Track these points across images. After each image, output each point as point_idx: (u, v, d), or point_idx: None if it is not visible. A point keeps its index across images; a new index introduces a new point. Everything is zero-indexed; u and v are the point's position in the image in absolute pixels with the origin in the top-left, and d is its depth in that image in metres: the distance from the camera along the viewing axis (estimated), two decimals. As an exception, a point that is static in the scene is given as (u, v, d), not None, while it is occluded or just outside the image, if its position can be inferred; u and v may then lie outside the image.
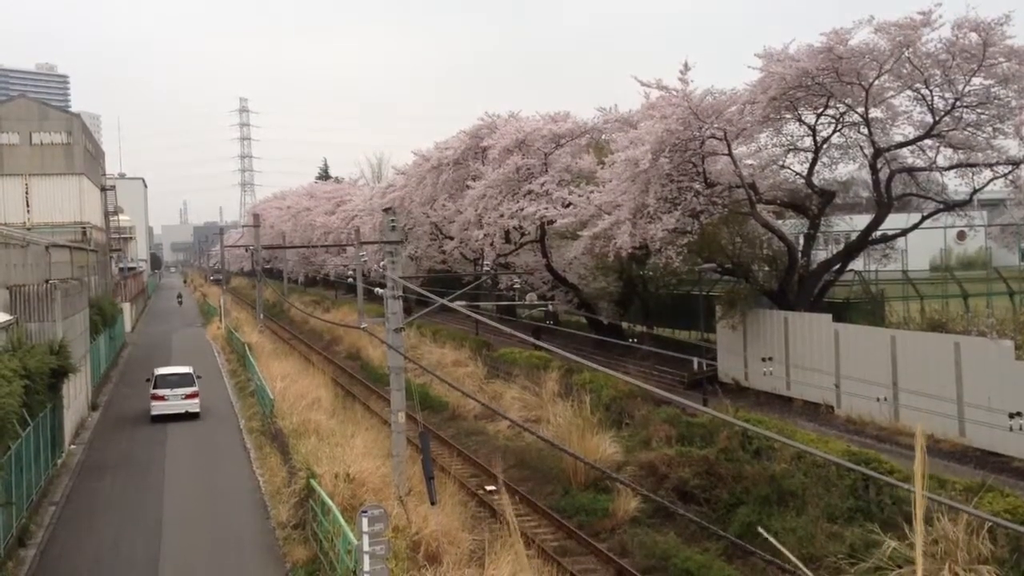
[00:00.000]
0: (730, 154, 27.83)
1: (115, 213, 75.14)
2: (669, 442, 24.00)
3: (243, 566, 18.22)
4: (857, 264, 32.08)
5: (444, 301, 16.94)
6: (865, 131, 27.60)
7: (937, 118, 26.33)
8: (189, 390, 33.30)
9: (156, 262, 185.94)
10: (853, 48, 25.38)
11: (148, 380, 34.95)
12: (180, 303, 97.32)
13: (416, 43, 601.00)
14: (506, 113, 42.92)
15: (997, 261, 43.39)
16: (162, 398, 33.04)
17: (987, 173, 26.92)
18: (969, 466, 20.23)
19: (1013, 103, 25.39)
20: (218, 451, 27.96)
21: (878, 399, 24.07)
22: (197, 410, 33.12)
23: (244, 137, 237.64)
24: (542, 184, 38.04)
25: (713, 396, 27.96)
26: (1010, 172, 26.29)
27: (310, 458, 20.86)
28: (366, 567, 13.08)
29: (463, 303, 29.38)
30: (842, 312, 29.41)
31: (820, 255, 31.85)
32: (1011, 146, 26.28)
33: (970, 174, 27.34)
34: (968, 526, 14.82)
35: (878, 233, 29.80)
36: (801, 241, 30.31)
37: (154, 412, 32.83)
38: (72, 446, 28.99)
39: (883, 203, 28.04)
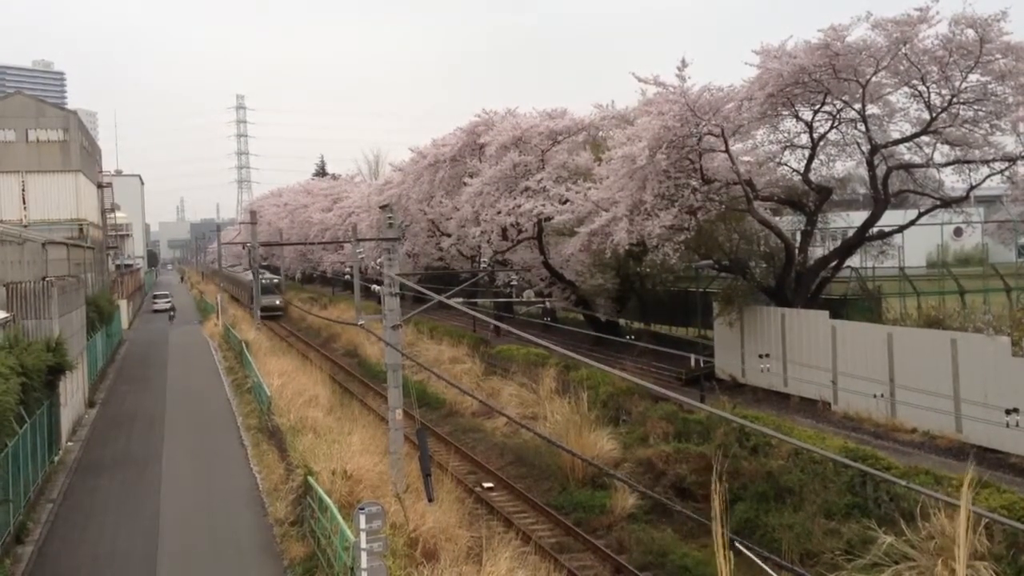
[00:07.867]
0: (727, 151, 27.80)
1: (112, 210, 75.04)
2: (666, 439, 24.05)
3: (240, 563, 18.21)
4: (854, 261, 32.05)
5: (442, 298, 16.90)
6: (862, 128, 27.58)
7: (934, 115, 26.30)
8: (167, 299, 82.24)
9: (153, 259, 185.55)
10: (850, 45, 25.33)
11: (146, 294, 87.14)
12: (172, 318, 72.46)
13: (415, 39, 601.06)
14: (503, 110, 42.86)
15: (994, 257, 43.51)
16: (156, 302, 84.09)
17: (984, 169, 26.88)
18: (966, 462, 20.25)
19: (1010, 99, 25.35)
20: (215, 448, 27.92)
21: (875, 395, 24.09)
22: (170, 306, 77.00)
23: (241, 134, 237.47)
24: (539, 181, 37.99)
25: (710, 393, 27.97)
26: (1007, 168, 26.28)
27: (307, 455, 20.86)
28: (363, 564, 13.08)
29: (460, 300, 29.38)
30: (839, 309, 29.40)
31: (817, 252, 31.83)
32: (1008, 142, 26.27)
33: (967, 170, 27.31)
34: (965, 522, 14.81)
35: (875, 229, 29.80)
36: (798, 238, 30.29)
37: (154, 308, 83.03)
38: (69, 443, 28.97)
39: (880, 200, 28.04)
